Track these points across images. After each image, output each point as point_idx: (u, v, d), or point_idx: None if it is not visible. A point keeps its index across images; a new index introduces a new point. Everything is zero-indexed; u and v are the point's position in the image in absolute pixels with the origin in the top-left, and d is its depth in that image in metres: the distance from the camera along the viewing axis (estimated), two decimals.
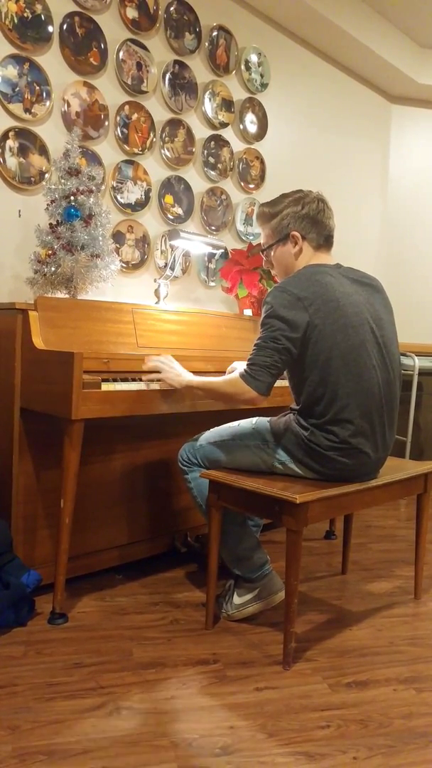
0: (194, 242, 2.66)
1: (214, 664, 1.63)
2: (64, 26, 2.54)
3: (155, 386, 1.89)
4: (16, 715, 1.37)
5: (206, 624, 1.83)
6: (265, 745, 1.30)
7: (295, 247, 1.78)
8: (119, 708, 1.41)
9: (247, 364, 1.67)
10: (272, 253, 1.84)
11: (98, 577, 2.14)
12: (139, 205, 2.86)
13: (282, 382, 1.93)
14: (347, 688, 1.54)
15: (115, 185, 2.76)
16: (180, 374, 1.86)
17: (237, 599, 1.89)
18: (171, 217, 3.00)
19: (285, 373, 1.77)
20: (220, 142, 3.20)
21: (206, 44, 3.10)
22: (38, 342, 1.84)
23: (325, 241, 1.80)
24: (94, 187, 2.24)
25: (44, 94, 2.48)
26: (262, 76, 3.39)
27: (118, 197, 2.78)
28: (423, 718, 1.42)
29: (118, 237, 2.79)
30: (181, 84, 3.00)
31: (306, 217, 1.76)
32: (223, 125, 3.21)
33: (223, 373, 2.00)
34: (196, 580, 2.20)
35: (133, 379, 1.89)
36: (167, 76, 2.93)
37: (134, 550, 2.23)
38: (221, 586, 1.96)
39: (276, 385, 2.25)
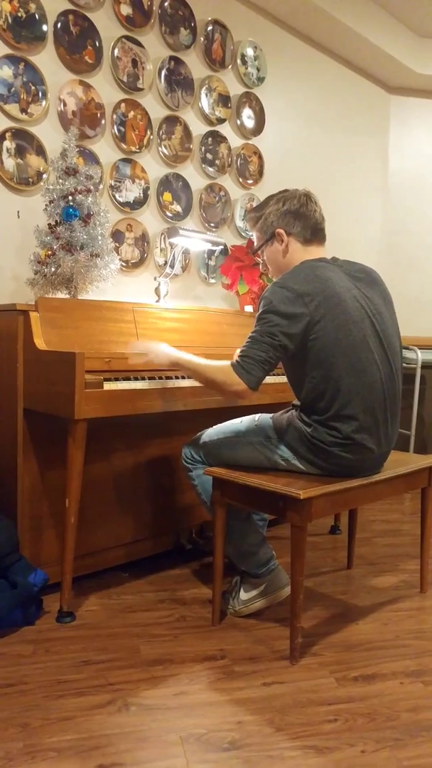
0: (193, 239, 2.65)
1: (221, 660, 1.64)
2: (59, 25, 2.53)
3: (138, 360, 1.83)
4: (26, 712, 1.38)
5: (213, 620, 1.84)
6: (273, 740, 1.31)
7: (282, 245, 1.77)
8: (128, 704, 1.42)
9: (240, 356, 1.63)
10: (263, 255, 1.85)
11: (104, 575, 2.16)
12: (138, 204, 2.86)
13: (284, 378, 1.93)
14: (354, 682, 1.55)
15: (113, 184, 2.76)
16: (166, 352, 1.80)
17: (243, 595, 1.90)
18: (170, 214, 3.00)
19: (283, 369, 1.77)
20: (217, 138, 3.20)
21: (201, 39, 3.09)
22: (40, 343, 1.85)
23: (313, 234, 1.77)
24: (92, 187, 2.24)
25: (40, 94, 2.48)
26: (258, 70, 3.38)
27: (117, 196, 2.78)
28: (430, 711, 1.43)
29: (117, 236, 2.79)
30: (177, 80, 2.99)
31: (288, 213, 1.76)
32: (220, 121, 3.20)
33: None
34: (201, 576, 2.21)
35: (136, 378, 1.90)
36: (163, 72, 2.92)
37: (139, 547, 2.24)
38: (227, 582, 1.97)
39: (279, 381, 2.25)
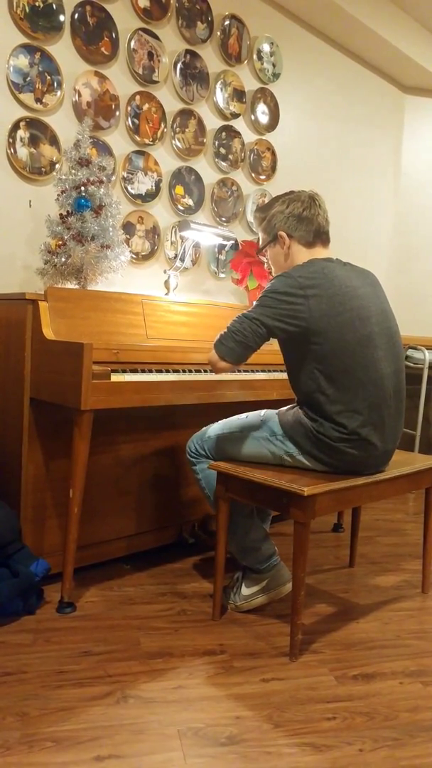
0: (204, 233, 2.65)
1: (220, 655, 1.64)
2: (76, 15, 2.53)
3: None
4: (25, 702, 1.38)
5: (213, 615, 1.84)
6: (270, 736, 1.31)
7: (284, 247, 1.78)
8: (126, 696, 1.43)
9: (222, 332, 1.68)
10: (267, 256, 1.87)
11: (106, 566, 2.16)
12: (150, 196, 2.85)
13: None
14: (353, 681, 1.54)
15: (125, 176, 2.75)
16: None
17: (245, 590, 1.89)
18: (181, 208, 2.99)
19: (284, 362, 1.77)
20: (231, 132, 3.18)
21: (218, 33, 3.08)
22: (48, 332, 1.85)
23: (316, 237, 1.78)
24: (104, 178, 2.24)
25: (55, 84, 2.47)
26: (274, 65, 3.36)
27: (129, 188, 2.77)
28: (429, 712, 1.42)
29: (128, 228, 2.78)
30: (193, 74, 2.98)
31: (291, 216, 1.77)
32: (235, 116, 3.19)
33: None
34: (203, 571, 2.20)
35: (142, 370, 1.89)
36: (179, 65, 2.91)
37: (142, 540, 2.24)
38: (229, 577, 1.97)
39: (285, 377, 2.24)
